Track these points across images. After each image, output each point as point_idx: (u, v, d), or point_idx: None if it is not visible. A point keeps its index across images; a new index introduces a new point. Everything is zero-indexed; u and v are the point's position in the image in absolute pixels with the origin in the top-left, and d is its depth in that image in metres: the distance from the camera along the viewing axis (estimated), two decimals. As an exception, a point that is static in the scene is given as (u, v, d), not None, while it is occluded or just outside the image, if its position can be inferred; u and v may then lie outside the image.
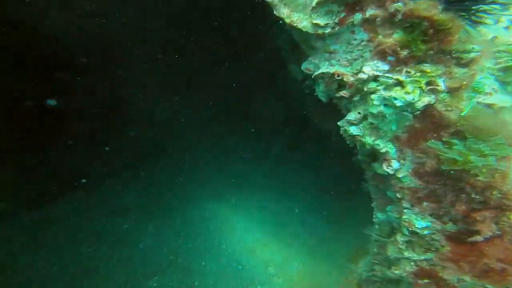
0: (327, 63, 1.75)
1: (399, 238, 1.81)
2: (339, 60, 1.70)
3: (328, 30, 1.61)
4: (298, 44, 1.91)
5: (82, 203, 3.74)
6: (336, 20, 1.58)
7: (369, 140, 1.72)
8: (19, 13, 3.49)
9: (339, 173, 4.27)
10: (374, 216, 2.04)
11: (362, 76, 1.56)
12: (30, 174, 3.67)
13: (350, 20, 1.54)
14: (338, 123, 1.82)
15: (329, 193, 3.95)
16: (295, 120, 4.76)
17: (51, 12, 3.56)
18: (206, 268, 3.10)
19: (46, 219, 3.45)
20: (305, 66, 1.88)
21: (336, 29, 1.59)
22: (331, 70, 1.69)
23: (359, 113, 1.72)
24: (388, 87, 1.56)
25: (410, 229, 1.73)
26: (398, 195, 1.72)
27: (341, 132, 1.84)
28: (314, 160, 4.39)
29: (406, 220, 1.72)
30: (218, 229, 3.59)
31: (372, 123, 1.69)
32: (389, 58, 1.51)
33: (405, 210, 1.73)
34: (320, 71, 1.76)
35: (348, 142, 1.90)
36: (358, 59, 1.62)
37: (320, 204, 3.85)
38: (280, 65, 3.89)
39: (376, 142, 1.71)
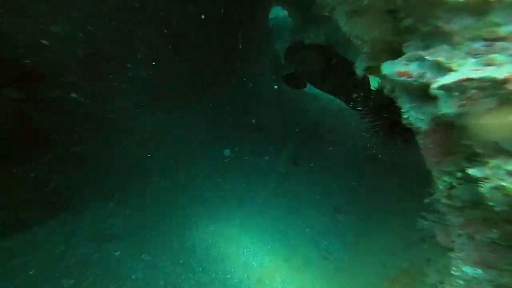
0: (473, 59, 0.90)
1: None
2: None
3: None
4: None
5: (64, 228, 3.31)
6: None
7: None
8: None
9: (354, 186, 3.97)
10: (456, 269, 1.46)
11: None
12: (5, 197, 3.24)
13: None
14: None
15: (343, 211, 3.62)
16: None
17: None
18: (209, 302, 2.71)
19: (22, 246, 3.01)
20: (399, 67, 1.10)
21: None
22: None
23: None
24: None
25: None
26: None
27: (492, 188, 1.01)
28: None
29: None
30: (222, 255, 3.20)
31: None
32: None
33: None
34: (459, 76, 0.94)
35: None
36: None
37: (334, 223, 3.51)
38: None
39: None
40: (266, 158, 4.52)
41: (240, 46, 5.29)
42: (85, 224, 3.43)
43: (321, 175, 4.29)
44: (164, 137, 4.64)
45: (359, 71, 1.59)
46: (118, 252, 3.22)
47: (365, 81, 3.38)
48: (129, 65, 4.15)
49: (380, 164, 4.42)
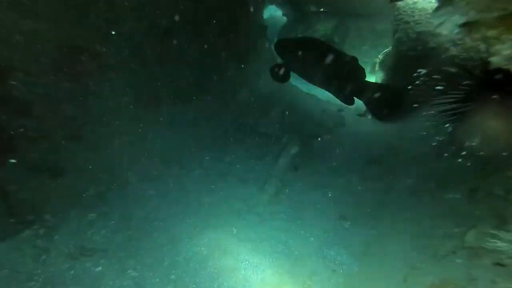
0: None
1: None
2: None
3: None
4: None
5: (33, 243, 2.92)
6: None
7: None
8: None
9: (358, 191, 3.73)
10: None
11: None
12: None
13: None
14: None
15: (349, 217, 3.37)
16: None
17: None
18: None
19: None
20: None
21: None
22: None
23: None
24: None
25: None
26: None
27: None
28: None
29: None
30: (218, 269, 2.88)
31: None
32: None
33: None
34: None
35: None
36: None
37: (341, 231, 3.25)
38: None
39: None
40: (264, 162, 4.24)
41: (234, 45, 5.07)
42: (60, 239, 3.05)
43: (323, 179, 4.05)
44: (152, 141, 4.30)
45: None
46: (99, 268, 2.86)
47: (359, 74, 3.22)
48: (112, 64, 3.81)
49: (383, 165, 4.23)
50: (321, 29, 8.26)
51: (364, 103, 3.04)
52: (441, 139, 4.00)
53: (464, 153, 3.10)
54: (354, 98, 3.24)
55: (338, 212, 3.55)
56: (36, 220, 3.15)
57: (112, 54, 3.74)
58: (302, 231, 3.33)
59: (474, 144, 2.98)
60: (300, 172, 4.09)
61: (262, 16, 6.18)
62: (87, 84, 3.65)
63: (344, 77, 3.28)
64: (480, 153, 2.77)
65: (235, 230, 3.34)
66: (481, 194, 2.36)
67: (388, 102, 3.10)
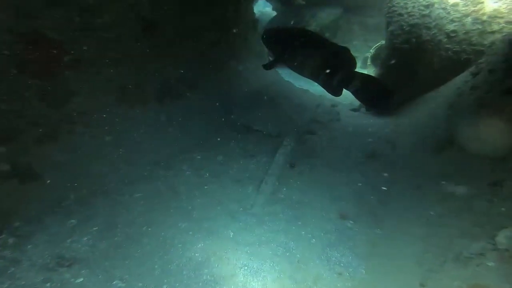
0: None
1: None
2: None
3: None
4: None
5: (3, 254, 2.64)
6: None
7: None
8: None
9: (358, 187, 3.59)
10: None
11: None
12: None
13: None
14: None
15: (351, 216, 3.21)
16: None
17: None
18: None
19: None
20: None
21: None
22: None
23: None
24: None
25: None
26: None
27: None
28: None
29: None
30: (215, 276, 2.67)
31: None
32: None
33: None
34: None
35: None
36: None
37: (344, 231, 3.09)
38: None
39: None
40: (259, 160, 4.05)
41: (225, 39, 4.86)
42: (33, 249, 2.77)
43: (321, 176, 3.89)
44: (138, 141, 4.04)
45: None
46: (81, 279, 2.60)
47: (349, 64, 3.09)
48: (90, 58, 3.53)
49: (382, 159, 4.11)
50: (313, 24, 8.17)
51: (351, 93, 2.95)
52: (437, 128, 3.91)
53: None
54: (343, 89, 3.12)
55: (339, 211, 3.40)
56: (4, 229, 2.85)
57: (90, 47, 3.45)
58: (303, 232, 3.16)
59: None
60: (297, 170, 3.92)
61: (253, 11, 6.00)
62: (61, 81, 3.36)
63: (334, 68, 3.13)
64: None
65: (231, 233, 3.14)
66: (507, 189, 2.19)
67: (376, 92, 3.01)
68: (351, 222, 3.23)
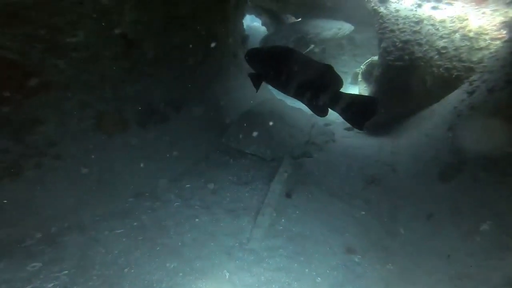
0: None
1: None
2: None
3: None
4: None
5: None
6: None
7: None
8: None
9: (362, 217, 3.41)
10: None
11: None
12: None
13: None
14: None
15: (358, 250, 3.01)
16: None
17: None
18: None
19: None
20: None
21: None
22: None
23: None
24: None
25: None
26: None
27: None
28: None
29: None
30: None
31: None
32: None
33: None
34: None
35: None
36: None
37: (351, 267, 2.87)
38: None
39: None
40: (254, 188, 3.81)
41: (213, 57, 4.68)
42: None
43: (321, 205, 3.68)
44: (118, 170, 3.72)
45: None
46: None
47: (334, 83, 3.02)
48: (60, 81, 3.23)
49: (383, 185, 3.97)
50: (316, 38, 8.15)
51: (338, 113, 2.88)
52: (439, 151, 3.84)
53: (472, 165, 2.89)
54: (328, 109, 3.04)
55: (343, 244, 3.20)
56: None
57: (61, 70, 3.16)
58: (307, 270, 2.92)
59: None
60: (295, 198, 3.70)
61: (242, 26, 5.89)
62: (26, 108, 3.04)
63: (318, 87, 3.05)
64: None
65: (227, 274, 2.86)
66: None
67: (362, 111, 2.94)
68: (358, 256, 3.02)
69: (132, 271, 2.89)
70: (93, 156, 3.47)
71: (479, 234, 2.30)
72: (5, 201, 2.99)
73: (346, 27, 8.28)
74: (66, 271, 2.78)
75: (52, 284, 2.65)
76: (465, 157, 3.00)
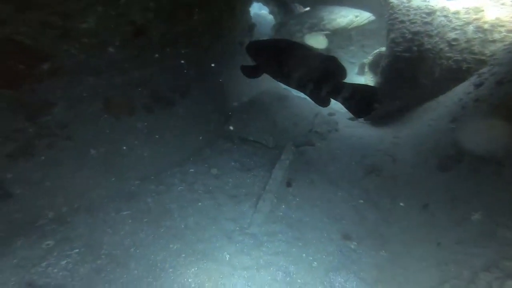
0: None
1: None
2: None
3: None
4: None
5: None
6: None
7: None
8: None
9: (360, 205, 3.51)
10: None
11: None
12: None
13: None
14: None
15: (354, 237, 3.12)
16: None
17: None
18: None
19: None
20: None
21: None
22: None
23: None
24: None
25: None
26: None
27: None
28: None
29: None
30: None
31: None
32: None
33: None
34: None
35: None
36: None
37: (347, 253, 2.99)
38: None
39: None
40: (256, 174, 3.93)
41: (219, 45, 4.73)
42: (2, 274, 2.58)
43: (321, 193, 3.79)
44: (125, 154, 3.87)
45: None
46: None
47: (337, 73, 3.07)
48: (70, 66, 3.35)
49: (383, 174, 4.04)
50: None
51: (340, 103, 2.94)
52: (440, 142, 3.88)
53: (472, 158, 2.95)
54: (330, 100, 3.10)
55: (341, 231, 3.32)
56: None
57: (72, 55, 3.28)
58: (304, 254, 3.06)
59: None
60: (296, 186, 3.81)
61: (249, 14, 5.90)
62: (39, 91, 3.18)
63: (319, 78, 3.11)
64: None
65: (227, 256, 3.02)
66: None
67: (364, 100, 2.98)
68: (354, 243, 3.15)
69: (138, 251, 3.06)
70: (101, 139, 3.62)
71: (469, 223, 2.39)
72: (19, 181, 3.17)
73: (364, 16, 7.94)
74: (76, 250, 2.97)
75: (65, 261, 2.84)
76: (465, 149, 3.06)
